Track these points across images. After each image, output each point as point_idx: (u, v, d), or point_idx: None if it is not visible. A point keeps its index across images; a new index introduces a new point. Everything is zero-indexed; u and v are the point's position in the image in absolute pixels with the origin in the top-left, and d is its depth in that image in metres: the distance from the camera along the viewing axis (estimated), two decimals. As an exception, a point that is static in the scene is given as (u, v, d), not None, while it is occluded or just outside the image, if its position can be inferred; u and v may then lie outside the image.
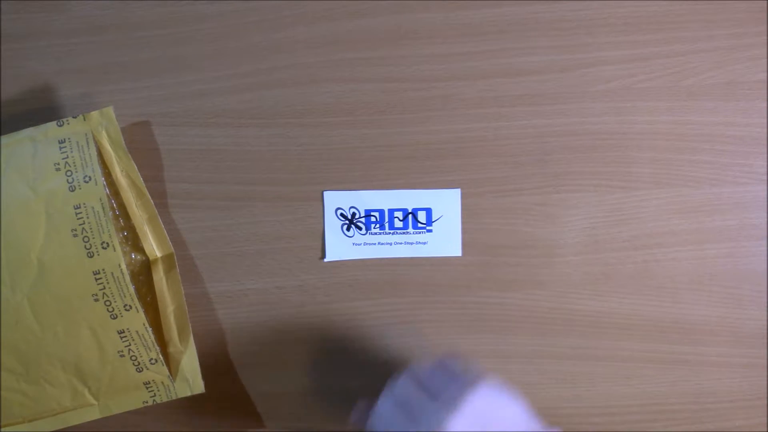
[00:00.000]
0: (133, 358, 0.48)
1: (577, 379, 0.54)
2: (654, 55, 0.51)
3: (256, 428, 0.55)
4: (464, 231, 0.53)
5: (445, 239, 0.53)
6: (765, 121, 0.51)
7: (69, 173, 0.47)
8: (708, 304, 0.53)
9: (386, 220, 0.53)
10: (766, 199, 0.52)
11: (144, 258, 0.51)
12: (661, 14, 0.51)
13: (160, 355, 0.48)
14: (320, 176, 0.53)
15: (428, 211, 0.53)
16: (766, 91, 0.51)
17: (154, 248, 0.51)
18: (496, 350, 0.54)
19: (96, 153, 0.48)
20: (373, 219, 0.52)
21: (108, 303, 0.46)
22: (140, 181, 0.50)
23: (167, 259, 0.52)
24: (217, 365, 0.54)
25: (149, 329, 0.47)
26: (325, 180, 0.53)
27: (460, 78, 0.52)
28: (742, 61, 0.51)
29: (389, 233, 0.53)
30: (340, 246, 0.53)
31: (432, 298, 0.54)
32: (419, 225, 0.53)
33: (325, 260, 0.53)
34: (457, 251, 0.53)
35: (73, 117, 0.49)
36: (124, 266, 0.46)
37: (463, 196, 0.53)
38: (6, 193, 0.47)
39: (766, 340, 0.53)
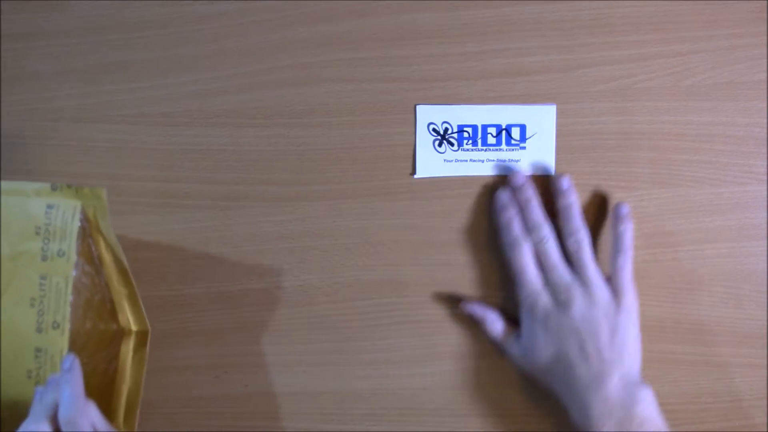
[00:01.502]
0: None
1: (577, 379, 0.53)
2: (654, 55, 0.51)
3: (257, 428, 0.55)
4: (464, 231, 0.53)
5: (538, 157, 0.51)
6: (765, 121, 0.51)
7: (46, 241, 0.46)
8: (708, 304, 0.53)
9: (479, 136, 0.51)
10: (766, 199, 0.52)
11: (117, 327, 0.50)
12: (661, 14, 0.51)
13: None
14: (320, 176, 0.53)
15: (522, 127, 0.51)
16: (766, 91, 0.51)
17: (129, 322, 0.51)
18: (497, 350, 0.53)
19: (77, 230, 0.47)
20: (465, 135, 0.51)
21: (38, 384, 0.45)
22: (123, 259, 0.50)
23: (141, 335, 0.51)
24: (216, 365, 0.54)
25: None
26: (325, 180, 0.53)
27: (460, 78, 0.52)
28: (742, 61, 0.51)
29: (482, 150, 0.51)
30: (432, 162, 0.51)
31: (432, 298, 0.53)
32: (513, 142, 0.51)
33: (416, 176, 0.52)
34: (551, 170, 0.52)
35: (68, 186, 0.48)
36: (65, 353, 0.45)
37: (463, 196, 0.53)
38: None
39: (766, 340, 0.53)
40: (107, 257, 0.50)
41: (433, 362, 0.54)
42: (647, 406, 0.47)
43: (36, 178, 0.53)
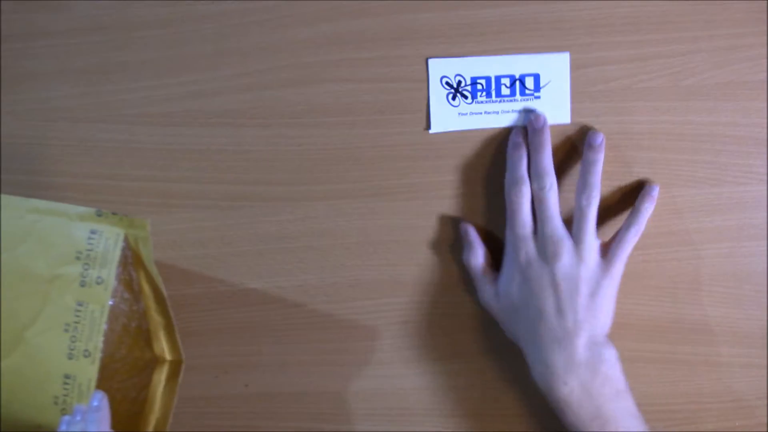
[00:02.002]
0: None
1: (577, 379, 0.54)
2: (654, 55, 0.51)
3: (257, 428, 0.55)
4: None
5: (553, 106, 0.51)
6: (765, 121, 0.51)
7: (86, 267, 0.46)
8: (708, 304, 0.53)
9: (493, 87, 0.51)
10: (766, 199, 0.52)
11: (151, 355, 0.50)
12: (661, 14, 0.51)
13: None
14: (320, 176, 0.53)
15: (536, 76, 0.51)
16: (766, 91, 0.51)
17: (164, 351, 0.50)
18: (497, 350, 0.54)
19: (118, 258, 0.46)
20: (479, 87, 0.51)
21: (64, 411, 0.45)
22: (163, 290, 0.49)
23: (174, 365, 0.51)
24: (216, 365, 0.54)
25: None
26: (325, 180, 0.53)
27: (460, 78, 0.52)
28: (742, 61, 0.51)
29: (496, 101, 0.51)
30: (446, 116, 0.51)
31: (432, 298, 0.54)
32: (527, 92, 0.51)
33: (431, 131, 0.51)
34: (566, 118, 0.51)
35: (113, 213, 0.48)
36: (93, 384, 0.45)
37: (463, 197, 0.53)
38: (22, 260, 0.45)
39: (766, 340, 0.53)
40: (146, 287, 0.50)
41: (432, 362, 0.54)
42: (611, 366, 0.47)
43: (36, 178, 0.53)
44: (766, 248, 0.52)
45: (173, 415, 0.53)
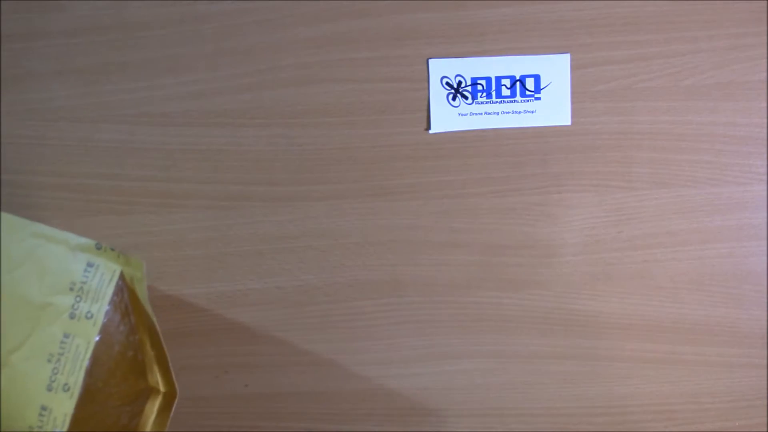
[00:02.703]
0: None
1: (577, 379, 0.54)
2: (654, 55, 0.51)
3: (257, 428, 0.55)
4: (464, 231, 0.53)
5: (553, 107, 0.51)
6: (765, 121, 0.51)
7: (78, 299, 0.45)
8: (708, 304, 0.53)
9: (493, 88, 0.51)
10: (766, 199, 0.52)
11: (145, 385, 0.50)
12: (661, 14, 0.51)
13: None
14: (320, 176, 0.53)
15: (536, 77, 0.51)
16: (766, 91, 0.51)
17: (158, 383, 0.50)
18: (496, 350, 0.54)
19: (111, 294, 0.46)
20: (479, 87, 0.51)
21: None
22: (156, 326, 0.48)
23: (168, 397, 0.50)
24: (216, 365, 0.54)
25: None
26: (325, 180, 0.53)
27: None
28: (742, 61, 0.51)
29: (496, 102, 0.51)
30: (446, 117, 0.51)
31: (432, 298, 0.54)
32: (527, 93, 0.51)
33: (431, 131, 0.51)
34: (566, 120, 0.51)
35: (111, 249, 0.47)
36: (68, 421, 0.44)
37: (462, 196, 0.53)
38: (17, 283, 0.45)
39: (766, 340, 0.53)
40: (141, 322, 0.49)
41: (433, 362, 0.54)
42: None
43: (36, 178, 0.53)
44: (766, 248, 0.52)
45: (174, 416, 0.53)
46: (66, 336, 0.45)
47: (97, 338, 0.45)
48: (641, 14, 0.51)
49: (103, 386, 0.46)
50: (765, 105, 0.51)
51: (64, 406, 0.44)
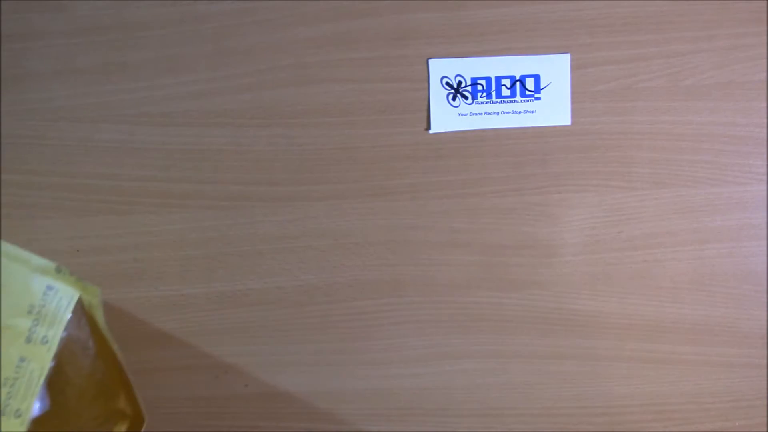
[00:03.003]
0: None
1: (577, 379, 0.54)
2: (654, 55, 0.51)
3: (257, 428, 0.55)
4: (464, 231, 0.53)
5: (553, 107, 0.51)
6: (765, 121, 0.51)
7: (35, 323, 0.43)
8: (708, 304, 0.53)
9: (493, 88, 0.51)
10: (766, 199, 0.52)
11: (115, 408, 0.49)
12: (661, 14, 0.51)
13: None
14: (320, 176, 0.53)
15: (536, 77, 0.51)
16: (766, 91, 0.51)
17: (125, 407, 0.49)
18: (496, 350, 0.54)
19: (67, 321, 0.44)
20: (479, 87, 0.51)
21: None
22: (117, 355, 0.48)
23: (135, 421, 0.49)
24: (216, 365, 0.54)
25: None
26: (325, 180, 0.53)
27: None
28: (742, 61, 0.51)
29: (496, 102, 0.51)
30: (446, 117, 0.51)
31: (432, 298, 0.53)
32: (527, 93, 0.51)
33: (431, 131, 0.51)
34: (566, 120, 0.51)
35: (70, 273, 0.46)
36: None
37: (462, 196, 0.53)
38: None
39: (766, 340, 0.53)
40: (101, 348, 0.48)
41: (433, 362, 0.54)
42: None
43: (36, 178, 0.53)
44: (766, 248, 0.52)
45: (174, 416, 0.53)
46: (22, 360, 0.43)
47: (52, 364, 0.44)
48: (641, 14, 0.51)
49: (76, 406, 0.46)
50: (765, 105, 0.51)
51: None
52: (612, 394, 0.54)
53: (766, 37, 0.51)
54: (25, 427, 0.43)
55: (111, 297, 0.54)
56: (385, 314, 0.54)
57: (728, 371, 0.53)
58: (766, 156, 0.52)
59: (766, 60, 0.51)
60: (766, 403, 0.53)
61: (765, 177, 0.52)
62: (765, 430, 0.53)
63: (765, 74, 0.51)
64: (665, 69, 0.51)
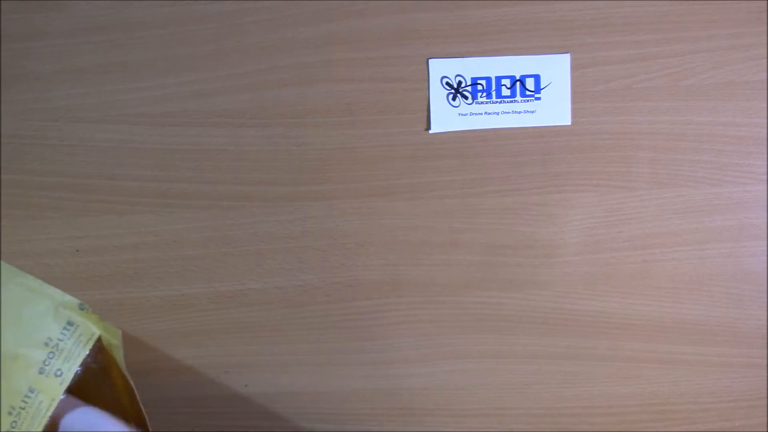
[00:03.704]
0: None
1: (577, 379, 0.54)
2: (654, 55, 0.51)
3: (257, 428, 0.55)
4: (464, 231, 0.53)
5: (554, 107, 0.51)
6: (765, 121, 0.51)
7: (51, 356, 0.44)
8: (708, 304, 0.53)
9: (493, 88, 0.51)
10: (766, 199, 0.52)
11: None
12: (661, 14, 0.51)
13: None
14: (320, 176, 0.53)
15: (536, 77, 0.51)
16: (766, 91, 0.51)
17: None
18: (496, 350, 0.54)
19: (84, 356, 0.44)
20: (479, 87, 0.51)
21: None
22: (135, 394, 0.48)
23: None
24: (216, 365, 0.54)
25: None
26: (325, 180, 0.53)
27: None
28: (742, 61, 0.51)
29: (496, 102, 0.51)
30: (446, 117, 0.51)
31: (432, 298, 0.54)
32: (527, 93, 0.51)
33: (431, 131, 0.51)
34: (566, 120, 0.51)
35: (93, 312, 0.46)
36: None
37: (463, 196, 0.53)
38: None
39: (766, 340, 0.53)
40: (120, 385, 0.48)
41: (433, 362, 0.54)
42: None
43: (36, 178, 0.53)
44: (766, 248, 0.52)
45: (174, 416, 0.53)
46: (31, 391, 0.43)
47: (63, 396, 0.44)
48: (641, 14, 0.51)
49: None
50: (765, 105, 0.51)
51: None
52: (612, 394, 0.54)
53: (766, 37, 0.51)
54: None
55: (111, 297, 0.54)
56: (385, 314, 0.54)
57: (728, 371, 0.53)
58: (766, 156, 0.52)
59: (766, 60, 0.51)
60: (766, 403, 0.53)
61: (765, 177, 0.52)
62: (765, 430, 0.53)
63: (765, 74, 0.51)
64: (665, 69, 0.51)
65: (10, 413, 0.43)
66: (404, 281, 0.53)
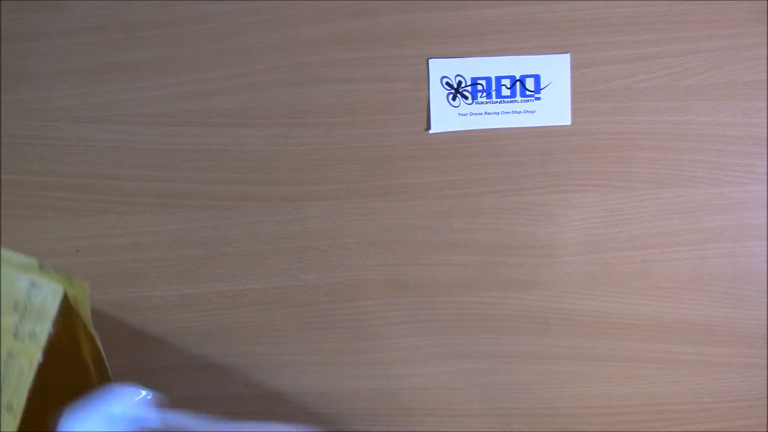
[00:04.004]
0: None
1: (577, 379, 0.54)
2: (654, 55, 0.51)
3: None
4: (464, 231, 0.53)
5: (553, 107, 0.51)
6: (765, 121, 0.51)
7: (21, 319, 0.44)
8: (708, 304, 0.53)
9: (493, 88, 0.51)
10: (766, 199, 0.52)
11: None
12: (661, 14, 0.51)
13: None
14: (320, 176, 0.53)
15: (536, 77, 0.51)
16: (766, 91, 0.51)
17: None
18: (496, 350, 0.54)
19: (54, 315, 0.44)
20: (479, 87, 0.51)
21: None
22: (102, 353, 0.47)
23: None
24: (217, 365, 0.54)
25: None
26: (325, 180, 0.53)
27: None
28: (742, 61, 0.51)
29: (496, 102, 0.51)
30: (446, 117, 0.51)
31: (432, 298, 0.53)
32: (527, 93, 0.51)
33: (431, 131, 0.51)
34: (566, 120, 0.51)
35: (54, 270, 0.46)
36: None
37: (463, 196, 0.53)
38: None
39: (766, 340, 0.53)
40: (85, 345, 0.48)
41: (433, 362, 0.54)
42: None
43: (36, 178, 0.53)
44: (766, 248, 0.52)
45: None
46: (9, 355, 0.43)
47: (41, 358, 0.44)
48: (641, 14, 0.51)
49: (56, 400, 0.45)
50: (765, 105, 0.51)
51: (9, 426, 0.43)
52: (612, 394, 0.54)
53: (766, 37, 0.51)
54: (17, 422, 0.43)
55: (111, 297, 0.54)
56: (385, 314, 0.54)
57: (728, 371, 0.53)
58: (766, 156, 0.52)
59: (766, 60, 0.51)
60: (766, 403, 0.53)
61: (765, 177, 0.52)
62: (765, 430, 0.53)
63: (765, 74, 0.51)
64: (665, 69, 0.51)
65: None
66: (404, 281, 0.53)
